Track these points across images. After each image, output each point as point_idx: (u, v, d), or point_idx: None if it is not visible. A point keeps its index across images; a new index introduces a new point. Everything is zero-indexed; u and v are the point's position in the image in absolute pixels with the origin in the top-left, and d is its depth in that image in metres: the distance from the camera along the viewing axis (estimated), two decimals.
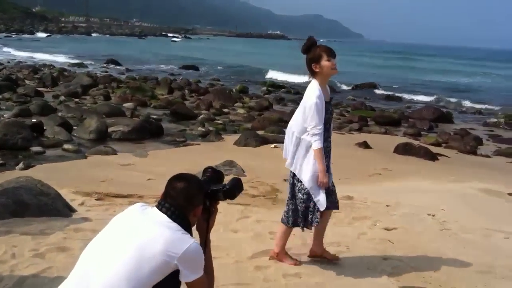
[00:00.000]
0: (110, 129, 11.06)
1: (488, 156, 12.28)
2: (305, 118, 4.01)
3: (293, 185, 4.23)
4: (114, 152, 9.13)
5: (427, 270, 4.49)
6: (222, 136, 11.93)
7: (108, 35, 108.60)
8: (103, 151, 9.12)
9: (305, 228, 4.32)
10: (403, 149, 10.82)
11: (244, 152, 9.89)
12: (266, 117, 15.71)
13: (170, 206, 2.50)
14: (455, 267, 4.60)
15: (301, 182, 4.13)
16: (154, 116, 14.08)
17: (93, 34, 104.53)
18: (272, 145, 10.41)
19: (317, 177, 4.02)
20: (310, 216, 4.17)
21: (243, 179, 7.40)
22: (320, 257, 4.45)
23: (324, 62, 4.02)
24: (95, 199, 5.89)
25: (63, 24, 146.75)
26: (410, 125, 16.65)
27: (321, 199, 4.07)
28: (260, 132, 12.10)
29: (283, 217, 4.35)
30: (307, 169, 4.07)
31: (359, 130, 14.79)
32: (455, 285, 4.22)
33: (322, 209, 4.07)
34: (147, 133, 11.30)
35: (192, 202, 2.55)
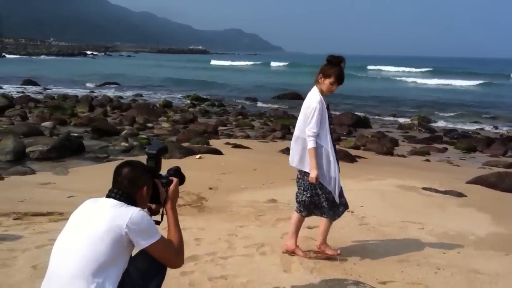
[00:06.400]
0: (28, 149, 10.65)
1: (403, 156, 12.91)
2: (307, 121, 4.49)
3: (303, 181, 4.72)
4: (32, 172, 8.81)
5: (348, 262, 4.70)
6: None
7: (24, 55, 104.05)
8: (20, 171, 8.78)
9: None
10: None
11: (169, 164, 9.75)
12: (191, 129, 15.70)
13: (118, 190, 2.70)
14: (374, 259, 4.84)
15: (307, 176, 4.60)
16: (75, 134, 13.70)
17: (8, 55, 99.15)
18: (197, 156, 10.43)
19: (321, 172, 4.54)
20: (334, 210, 4.72)
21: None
22: (323, 253, 4.84)
23: (327, 83, 4.53)
24: (13, 219, 5.67)
25: None
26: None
27: (335, 191, 4.64)
28: (185, 144, 12.08)
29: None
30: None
31: (282, 138, 15.09)
32: (374, 275, 4.43)
33: (336, 199, 4.64)
34: (67, 151, 10.98)
35: (137, 183, 2.74)
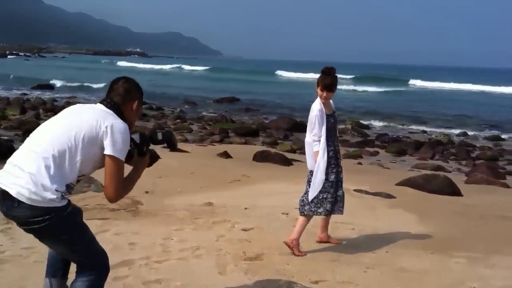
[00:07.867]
0: None
1: None
2: (311, 127, 4.99)
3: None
4: None
5: (281, 263, 4.80)
6: None
7: None
8: None
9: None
10: (260, 157, 11.32)
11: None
12: None
13: (110, 100, 2.95)
14: (306, 259, 4.98)
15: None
16: (5, 137, 13.20)
17: None
18: None
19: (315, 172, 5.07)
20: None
21: (99, 196, 7.31)
22: (327, 242, 5.46)
23: (318, 91, 4.97)
24: None
25: None
26: (268, 135, 17.42)
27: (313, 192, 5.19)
28: None
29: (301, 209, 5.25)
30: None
31: (221, 141, 15.14)
32: (307, 275, 4.55)
33: (310, 198, 5.21)
34: None
35: (130, 94, 3.00)
